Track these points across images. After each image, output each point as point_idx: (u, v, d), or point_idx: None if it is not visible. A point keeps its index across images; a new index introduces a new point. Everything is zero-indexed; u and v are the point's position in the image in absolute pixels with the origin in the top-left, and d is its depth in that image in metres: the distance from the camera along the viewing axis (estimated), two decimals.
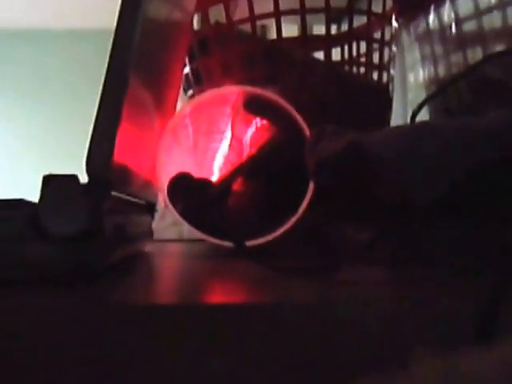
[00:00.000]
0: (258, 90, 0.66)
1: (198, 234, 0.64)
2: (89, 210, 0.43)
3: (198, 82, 0.90)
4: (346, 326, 0.35)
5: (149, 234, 0.71)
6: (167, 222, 0.90)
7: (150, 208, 0.70)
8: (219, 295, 0.43)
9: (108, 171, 0.46)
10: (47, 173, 0.43)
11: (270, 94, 0.65)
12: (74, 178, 0.43)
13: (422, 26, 0.89)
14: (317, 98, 0.81)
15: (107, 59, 0.47)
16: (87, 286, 0.43)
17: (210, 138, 0.73)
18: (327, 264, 0.50)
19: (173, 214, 0.64)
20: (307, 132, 0.63)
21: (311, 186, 0.62)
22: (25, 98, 4.69)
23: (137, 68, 0.51)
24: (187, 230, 0.82)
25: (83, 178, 0.44)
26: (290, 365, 0.34)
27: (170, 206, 0.63)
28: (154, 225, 0.74)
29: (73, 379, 0.34)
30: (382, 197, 0.51)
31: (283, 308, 0.35)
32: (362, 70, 0.88)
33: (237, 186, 0.67)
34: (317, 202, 0.62)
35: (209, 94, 0.67)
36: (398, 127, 0.57)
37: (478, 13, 0.79)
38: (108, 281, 0.46)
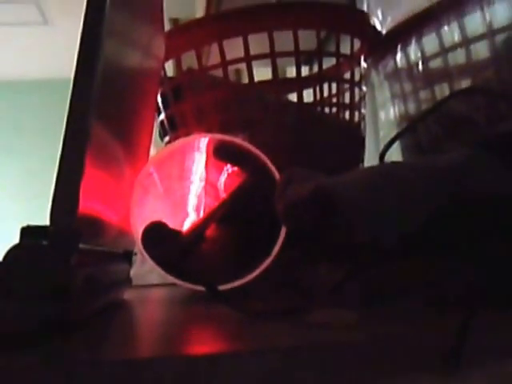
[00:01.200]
0: (226, 137, 0.66)
1: (172, 280, 0.64)
2: (58, 267, 0.42)
3: (173, 128, 0.90)
4: (319, 370, 0.35)
5: (126, 281, 0.70)
6: (148, 267, 0.89)
7: (127, 255, 0.70)
8: (196, 345, 0.43)
9: (72, 224, 0.45)
10: (24, 221, 0.43)
11: (238, 140, 0.66)
12: (43, 230, 0.43)
13: (390, 65, 0.90)
14: (290, 140, 0.81)
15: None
16: (59, 342, 0.42)
17: (183, 184, 0.72)
18: (300, 307, 0.50)
19: (147, 260, 0.64)
20: (277, 176, 0.63)
21: (283, 229, 0.62)
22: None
23: (100, 115, 0.50)
24: (164, 275, 0.82)
25: None
26: None
27: (145, 254, 0.63)
28: (134, 270, 0.74)
29: None
30: (349, 239, 0.51)
31: (260, 355, 0.35)
32: (334, 110, 0.88)
33: (210, 231, 0.67)
34: (290, 244, 0.62)
35: (177, 144, 0.67)
36: (363, 170, 0.58)
37: (444, 50, 0.80)
38: (81, 335, 0.46)
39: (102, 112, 0.50)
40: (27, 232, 0.43)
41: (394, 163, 0.56)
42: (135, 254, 0.73)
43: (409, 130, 0.78)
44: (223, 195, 0.69)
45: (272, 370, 0.35)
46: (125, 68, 0.60)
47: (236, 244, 0.67)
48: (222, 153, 0.68)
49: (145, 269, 0.88)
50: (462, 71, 0.78)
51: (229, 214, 0.68)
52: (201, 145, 0.70)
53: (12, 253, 0.42)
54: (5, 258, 0.42)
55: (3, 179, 4.71)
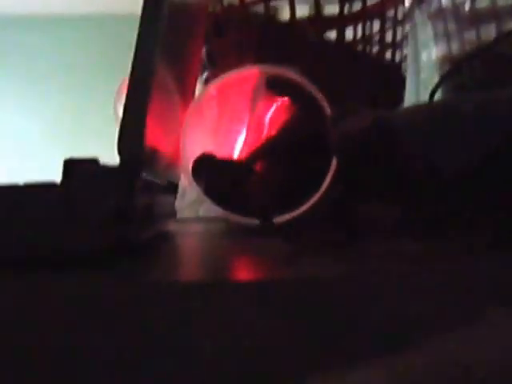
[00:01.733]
0: (279, 70, 0.65)
1: (219, 212, 0.64)
2: (123, 192, 0.42)
3: (211, 64, 0.89)
4: (378, 300, 0.34)
5: (172, 213, 0.70)
6: (186, 202, 0.89)
7: (173, 188, 0.70)
8: (248, 272, 0.43)
9: (140, 152, 0.46)
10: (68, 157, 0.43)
11: (291, 73, 0.65)
12: (96, 161, 0.43)
13: (434, 4, 0.88)
14: (330, 78, 0.80)
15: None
16: (122, 265, 0.42)
17: (230, 120, 0.72)
18: (356, 239, 0.49)
19: (197, 193, 0.63)
20: (328, 110, 0.63)
21: (333, 163, 0.62)
22: (41, 85, 4.65)
23: (161, 51, 0.50)
24: (203, 209, 0.81)
25: None
26: (315, 341, 0.34)
27: (195, 184, 0.63)
28: (176, 204, 0.74)
29: (110, 353, 0.33)
30: (408, 172, 0.51)
31: (314, 282, 0.35)
32: (375, 48, 0.87)
33: (259, 164, 0.67)
34: (339, 179, 0.62)
35: (232, 74, 0.66)
36: (422, 104, 0.57)
37: None
38: (140, 260, 0.46)
39: (163, 47, 0.51)
40: (70, 164, 0.43)
41: (451, 99, 0.55)
42: None
43: (455, 71, 0.76)
44: (271, 129, 0.69)
45: (324, 298, 0.34)
46: (180, 3, 0.60)
47: (285, 178, 0.66)
48: (275, 85, 0.67)
49: (183, 203, 0.88)
50: (510, 11, 0.77)
51: (278, 147, 0.67)
52: (251, 78, 0.69)
53: (76, 176, 0.42)
54: (68, 180, 0.42)
55: (58, 117, 4.63)
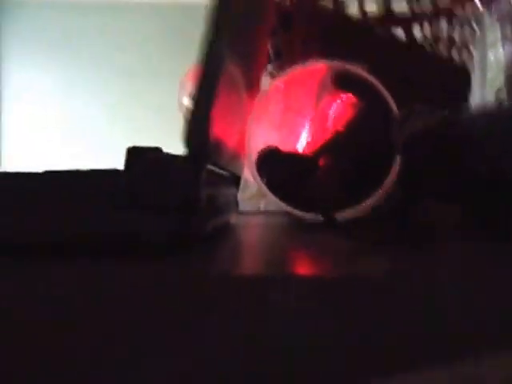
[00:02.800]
0: (347, 66, 0.65)
1: (280, 207, 0.63)
2: (190, 181, 0.42)
3: (277, 57, 0.89)
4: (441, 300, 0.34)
5: (235, 205, 0.70)
6: (246, 195, 0.89)
7: (236, 180, 0.70)
8: (310, 267, 0.42)
9: (206, 143, 0.46)
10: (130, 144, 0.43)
11: (358, 69, 0.64)
12: (160, 150, 0.43)
13: (504, 6, 0.86)
14: (397, 76, 0.79)
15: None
16: (184, 256, 0.42)
17: (295, 114, 0.71)
18: (419, 239, 0.48)
19: (260, 187, 0.63)
20: (395, 109, 0.62)
21: (396, 163, 0.61)
22: (105, 70, 4.66)
23: (230, 43, 0.50)
24: (264, 203, 0.81)
25: None
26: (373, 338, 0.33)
27: (258, 178, 0.63)
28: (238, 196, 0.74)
29: (164, 342, 0.33)
30: (479, 173, 0.49)
31: (374, 280, 0.35)
32: (443, 47, 0.85)
33: (323, 160, 0.66)
34: (401, 179, 0.61)
35: (299, 68, 0.66)
36: (490, 107, 0.56)
37: None
38: (202, 251, 0.46)
39: (231, 39, 0.50)
40: (134, 152, 0.43)
41: None
42: None
43: None
44: (336, 125, 0.68)
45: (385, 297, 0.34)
46: None
47: (347, 175, 0.66)
48: (342, 80, 0.67)
49: (243, 196, 0.88)
50: None
51: (343, 143, 0.66)
52: (317, 72, 0.68)
53: (143, 163, 0.42)
54: (133, 168, 0.42)
55: (120, 103, 4.61)
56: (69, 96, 4.60)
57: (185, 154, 0.44)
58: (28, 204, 0.42)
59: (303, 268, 0.41)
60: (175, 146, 0.44)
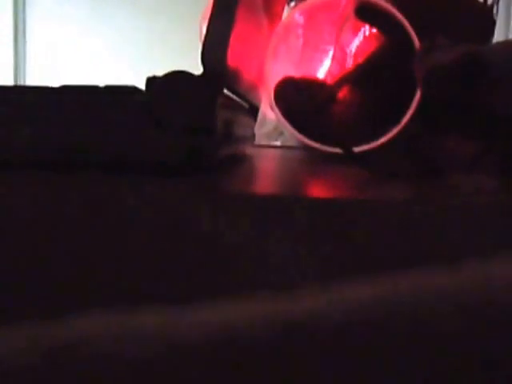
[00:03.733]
0: None
1: (298, 142, 0.63)
2: (206, 103, 0.41)
3: None
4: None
5: (252, 136, 0.69)
6: (263, 131, 0.88)
7: (254, 111, 0.69)
8: (326, 191, 0.42)
9: (223, 66, 0.45)
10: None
11: (382, 2, 0.62)
12: (186, 73, 0.42)
13: None
14: (421, 12, 0.77)
15: None
16: (201, 176, 0.41)
17: (316, 46, 0.70)
18: (433, 171, 0.48)
19: (277, 118, 0.62)
20: (417, 43, 0.60)
21: (417, 96, 0.60)
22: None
23: None
24: (282, 139, 0.80)
25: None
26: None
27: (276, 109, 0.62)
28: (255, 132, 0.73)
29: (186, 262, 0.33)
30: (497, 109, 0.48)
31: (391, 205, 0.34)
32: None
33: (342, 93, 0.65)
34: (421, 114, 0.60)
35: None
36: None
37: None
38: (219, 174, 0.45)
39: None
40: (152, 82, 0.42)
41: None
42: None
43: None
44: (356, 58, 0.67)
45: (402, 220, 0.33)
46: None
47: (367, 108, 0.65)
48: (365, 12, 0.65)
49: (260, 132, 0.87)
50: None
51: (363, 76, 0.65)
52: (339, 4, 0.66)
53: (165, 83, 0.41)
54: (155, 88, 0.41)
55: (126, 37, 4.55)
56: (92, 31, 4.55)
57: (202, 74, 0.43)
58: (45, 118, 0.41)
59: (324, 191, 0.41)
60: None
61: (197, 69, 0.44)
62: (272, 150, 0.82)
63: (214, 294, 0.32)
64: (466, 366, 0.28)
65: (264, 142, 0.90)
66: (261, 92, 0.66)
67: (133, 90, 0.42)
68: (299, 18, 0.66)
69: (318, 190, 0.42)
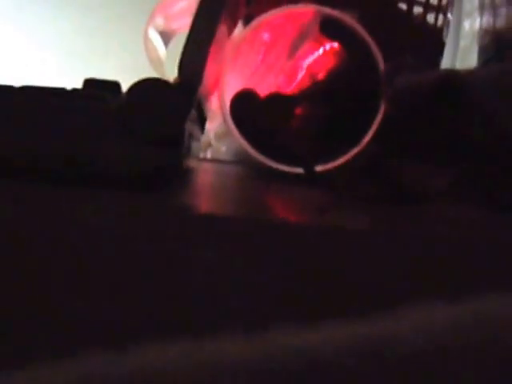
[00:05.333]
0: (335, 13, 0.60)
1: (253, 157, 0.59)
2: (179, 116, 0.39)
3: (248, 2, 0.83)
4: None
5: (199, 148, 0.66)
6: (205, 141, 0.84)
7: (202, 122, 0.65)
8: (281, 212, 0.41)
9: (200, 78, 0.43)
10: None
11: (346, 17, 0.60)
12: (161, 81, 0.39)
13: None
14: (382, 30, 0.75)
15: None
16: (161, 191, 0.39)
17: (274, 62, 0.67)
18: (407, 197, 0.46)
19: (232, 132, 0.58)
20: (381, 61, 0.58)
21: (379, 116, 0.57)
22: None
23: None
24: (224, 151, 0.77)
25: None
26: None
27: (231, 123, 0.58)
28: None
29: (135, 275, 0.30)
30: (473, 134, 0.46)
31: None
32: (418, 10, 0.82)
33: (300, 109, 0.62)
34: (383, 135, 0.57)
35: (280, 11, 0.61)
36: (493, 66, 0.53)
37: None
38: (179, 189, 0.44)
39: None
40: (90, 85, 0.41)
41: None
42: None
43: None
44: (317, 74, 0.64)
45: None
46: None
47: (325, 127, 0.62)
48: (328, 28, 0.62)
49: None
50: None
51: (323, 93, 0.63)
52: (299, 17, 0.63)
53: (139, 90, 0.38)
54: (128, 96, 0.38)
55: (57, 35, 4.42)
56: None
57: (179, 84, 0.40)
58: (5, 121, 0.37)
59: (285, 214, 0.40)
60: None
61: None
62: (210, 165, 0.79)
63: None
64: None
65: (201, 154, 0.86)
66: (210, 102, 0.63)
67: (102, 96, 0.39)
68: (257, 30, 0.62)
69: (279, 213, 0.41)
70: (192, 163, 0.62)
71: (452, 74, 0.48)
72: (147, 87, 0.38)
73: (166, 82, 0.38)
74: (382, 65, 0.58)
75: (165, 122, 0.38)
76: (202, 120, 0.64)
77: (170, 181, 0.39)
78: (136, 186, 0.37)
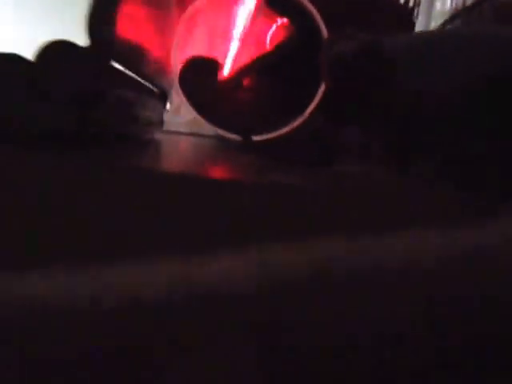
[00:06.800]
0: None
1: (204, 127, 0.61)
2: (91, 73, 0.39)
3: None
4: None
5: (159, 122, 0.66)
6: (183, 119, 0.85)
7: (163, 96, 0.66)
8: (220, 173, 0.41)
9: (110, 35, 0.43)
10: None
11: None
12: (70, 43, 0.39)
13: None
14: (339, 12, 0.76)
15: None
16: (88, 149, 0.39)
17: (224, 35, 0.67)
18: (329, 160, 0.46)
19: (182, 100, 0.60)
20: (325, 33, 0.59)
21: (321, 87, 0.58)
22: None
23: None
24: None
25: None
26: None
27: (181, 92, 0.59)
28: (167, 117, 0.71)
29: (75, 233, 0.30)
30: (391, 96, 0.47)
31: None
32: None
33: (249, 80, 0.63)
34: (325, 106, 0.58)
35: None
36: (417, 32, 0.53)
37: None
38: (114, 148, 0.44)
39: None
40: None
41: (452, 29, 0.51)
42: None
43: (463, 15, 0.72)
44: (265, 47, 0.65)
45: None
46: None
47: (272, 97, 0.63)
48: (275, 3, 0.63)
49: (178, 119, 0.84)
50: None
51: (270, 65, 0.63)
52: None
53: (49, 52, 0.38)
54: (39, 59, 0.38)
55: None
56: None
57: (88, 46, 0.41)
58: None
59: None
60: None
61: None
62: (181, 137, 0.80)
63: None
64: None
65: (181, 130, 0.87)
66: (170, 77, 0.64)
67: (16, 58, 0.39)
68: (208, 5, 0.63)
69: (217, 173, 0.41)
70: (154, 134, 0.64)
71: (373, 40, 0.48)
72: (56, 49, 0.38)
73: (74, 44, 0.39)
74: (324, 36, 0.58)
75: (75, 81, 0.38)
76: (162, 94, 0.65)
77: (95, 137, 0.40)
78: (60, 144, 0.38)
